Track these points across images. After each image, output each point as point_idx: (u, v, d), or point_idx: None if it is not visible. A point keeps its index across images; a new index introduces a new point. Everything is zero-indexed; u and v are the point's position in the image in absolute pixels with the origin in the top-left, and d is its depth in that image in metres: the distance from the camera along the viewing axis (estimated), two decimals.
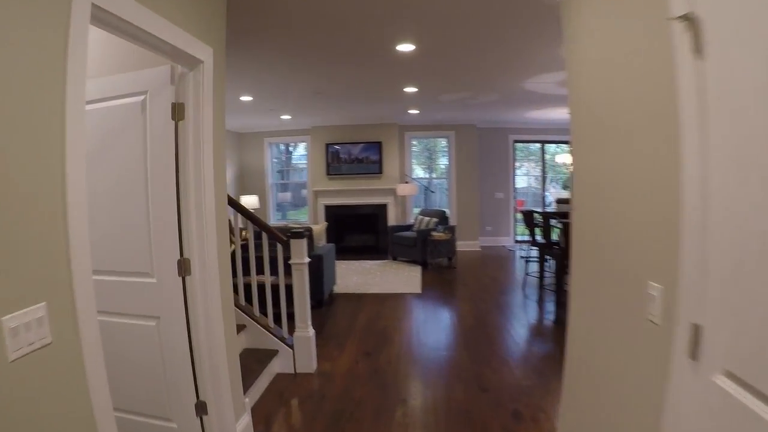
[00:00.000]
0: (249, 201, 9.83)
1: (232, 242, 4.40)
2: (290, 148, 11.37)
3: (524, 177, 11.64)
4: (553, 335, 4.89)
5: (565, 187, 11.60)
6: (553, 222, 6.44)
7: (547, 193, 11.50)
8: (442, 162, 11.13)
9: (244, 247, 4.45)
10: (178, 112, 2.45)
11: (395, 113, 8.87)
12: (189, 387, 2.59)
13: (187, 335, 2.56)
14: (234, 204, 3.92)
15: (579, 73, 2.18)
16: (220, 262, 2.70)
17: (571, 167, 2.30)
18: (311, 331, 4.09)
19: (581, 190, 2.23)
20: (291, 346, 4.04)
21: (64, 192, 1.55)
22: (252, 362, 3.78)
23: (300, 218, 10.99)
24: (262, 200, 10.53)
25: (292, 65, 5.09)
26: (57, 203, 1.54)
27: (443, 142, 10.88)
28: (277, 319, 4.21)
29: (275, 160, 11.21)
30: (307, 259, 4.00)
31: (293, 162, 11.45)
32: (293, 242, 3.96)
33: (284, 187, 11.22)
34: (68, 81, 1.55)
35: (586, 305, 2.17)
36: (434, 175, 11.21)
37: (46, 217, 1.50)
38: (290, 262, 3.97)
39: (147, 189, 2.51)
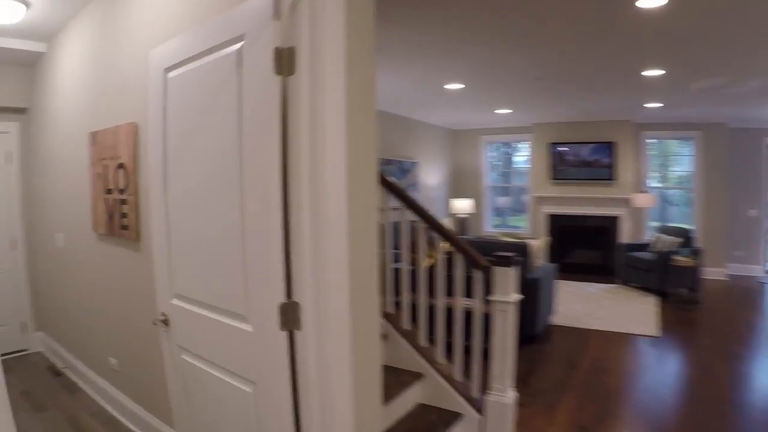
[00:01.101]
0: (462, 205, 8.89)
1: (417, 258, 3.41)
2: (511, 149, 10.10)
3: None
4: None
5: None
6: None
7: None
8: (677, 169, 8.78)
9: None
10: (285, 61, 1.49)
11: (630, 107, 7.09)
12: None
13: (293, 420, 1.62)
14: (420, 212, 2.94)
15: None
16: (357, 311, 1.69)
17: None
18: (510, 396, 2.88)
19: None
20: (480, 411, 2.88)
21: None
22: (422, 427, 2.74)
23: (519, 226, 9.71)
24: (478, 204, 9.49)
25: (506, 40, 3.92)
26: None
27: (678, 146, 8.60)
28: (466, 350, 3.06)
29: (498, 162, 10.06)
30: (515, 297, 2.80)
31: (513, 165, 10.15)
32: (497, 271, 2.80)
33: (504, 191, 10.03)
34: None
35: None
36: (667, 185, 8.83)
37: None
38: (490, 298, 2.82)
39: (241, 187, 1.62)
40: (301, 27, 1.48)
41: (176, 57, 1.85)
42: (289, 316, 1.57)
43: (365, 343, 1.78)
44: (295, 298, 1.57)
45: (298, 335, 1.58)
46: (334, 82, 1.53)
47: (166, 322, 2.07)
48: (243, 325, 1.69)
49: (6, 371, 3.77)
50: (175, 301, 2.01)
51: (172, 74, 1.88)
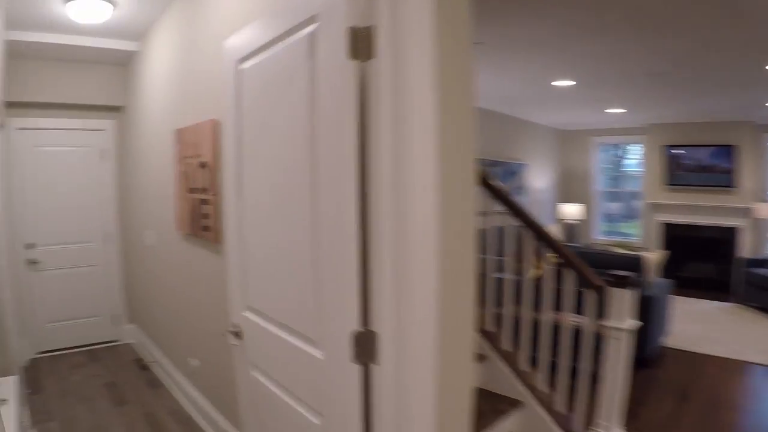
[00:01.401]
0: (570, 211, 8.31)
1: (521, 268, 3.05)
2: (621, 152, 9.26)
3: None
4: None
5: None
6: None
7: None
8: None
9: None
10: (361, 43, 1.24)
11: (751, 106, 6.23)
12: None
13: None
14: (527, 220, 2.62)
15: None
16: (448, 340, 1.42)
17: None
18: None
19: None
20: None
21: None
22: None
23: (630, 233, 8.87)
24: (587, 209, 8.82)
25: (619, 33, 3.48)
26: None
27: None
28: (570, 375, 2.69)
29: (608, 165, 9.27)
30: (630, 323, 2.40)
31: (624, 168, 9.30)
32: (611, 292, 2.41)
33: (614, 196, 9.24)
34: None
35: None
36: None
37: None
38: (603, 323, 2.45)
39: (312, 192, 1.40)
40: (380, 1, 1.22)
41: (248, 47, 1.67)
42: (364, 347, 1.32)
43: (455, 378, 1.50)
44: (372, 326, 1.32)
45: (375, 370, 1.34)
46: (421, 68, 1.26)
47: (238, 334, 1.91)
48: (313, 351, 1.47)
49: (94, 360, 3.91)
50: (247, 314, 1.85)
51: (244, 66, 1.71)
